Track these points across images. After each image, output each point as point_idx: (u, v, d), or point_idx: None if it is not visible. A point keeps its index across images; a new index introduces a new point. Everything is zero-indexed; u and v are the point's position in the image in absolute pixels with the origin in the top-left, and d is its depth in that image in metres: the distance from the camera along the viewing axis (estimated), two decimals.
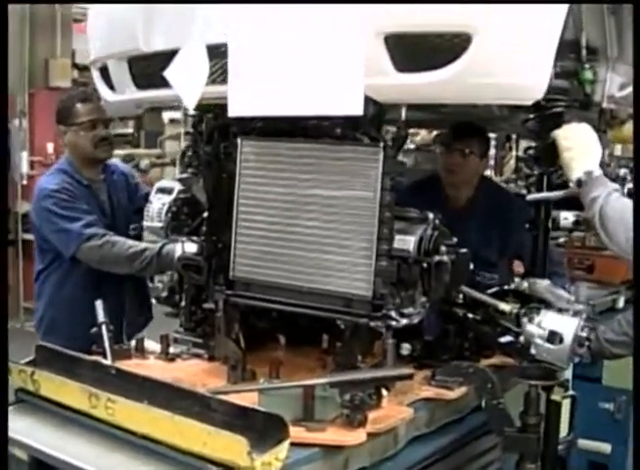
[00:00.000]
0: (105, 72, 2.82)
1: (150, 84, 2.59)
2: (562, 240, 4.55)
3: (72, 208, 3.06)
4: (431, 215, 2.30)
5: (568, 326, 2.25)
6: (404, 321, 2.24)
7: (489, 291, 2.58)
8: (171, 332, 2.73)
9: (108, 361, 2.36)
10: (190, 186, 2.73)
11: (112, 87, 2.81)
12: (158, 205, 2.75)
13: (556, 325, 2.26)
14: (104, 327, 2.50)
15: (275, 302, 2.41)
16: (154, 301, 3.01)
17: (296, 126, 2.35)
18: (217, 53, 2.28)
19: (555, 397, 2.51)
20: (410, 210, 2.34)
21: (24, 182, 8.68)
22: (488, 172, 5.92)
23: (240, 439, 1.72)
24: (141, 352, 2.64)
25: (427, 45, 2.07)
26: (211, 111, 2.54)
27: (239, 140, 2.44)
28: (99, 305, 2.57)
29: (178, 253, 2.71)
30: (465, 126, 3.20)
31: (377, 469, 2.14)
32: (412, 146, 9.54)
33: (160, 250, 2.91)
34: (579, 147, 2.23)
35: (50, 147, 9.05)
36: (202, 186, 2.67)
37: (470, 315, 2.57)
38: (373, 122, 2.27)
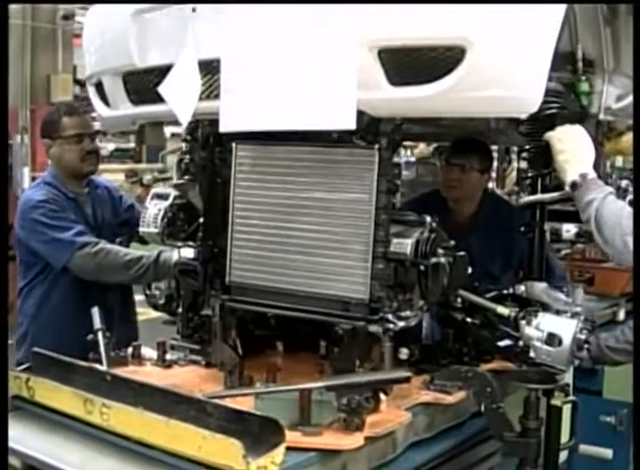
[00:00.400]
0: (100, 88, 2.82)
1: (144, 100, 2.59)
2: (564, 252, 4.53)
3: (61, 217, 3.02)
4: (428, 219, 2.29)
5: (566, 328, 2.24)
6: (401, 324, 2.22)
7: (488, 295, 2.56)
8: (168, 339, 2.72)
9: (103, 368, 2.34)
10: (186, 192, 2.72)
11: (107, 103, 2.81)
12: (154, 210, 2.73)
13: (554, 327, 2.24)
14: (100, 334, 2.48)
15: (271, 306, 2.40)
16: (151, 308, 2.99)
17: (291, 130, 2.35)
18: (211, 68, 2.28)
19: (555, 401, 2.49)
20: (407, 213, 2.33)
21: None
22: (491, 185, 5.90)
23: (235, 442, 1.71)
24: (138, 358, 2.63)
25: (420, 58, 2.06)
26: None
27: (234, 144, 2.44)
28: (95, 311, 2.56)
29: (175, 259, 2.70)
30: (465, 142, 3.20)
31: None
32: (412, 159, 9.57)
33: (157, 257, 2.89)
34: (573, 149, 2.22)
35: None
36: (198, 192, 2.66)
37: (468, 320, 2.55)
38: (369, 126, 2.27)
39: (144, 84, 2.57)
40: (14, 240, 3.15)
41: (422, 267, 2.23)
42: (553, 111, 2.21)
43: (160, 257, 2.88)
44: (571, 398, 2.56)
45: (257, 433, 1.82)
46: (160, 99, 2.36)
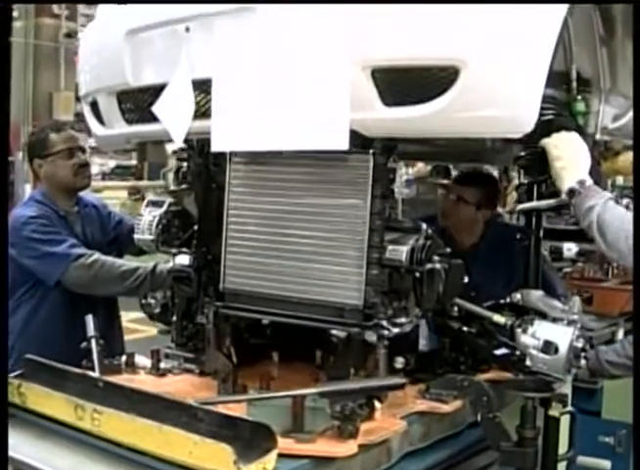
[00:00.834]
0: (95, 107, 2.82)
1: (139, 119, 2.60)
2: (566, 271, 4.53)
3: (54, 232, 3.01)
4: (424, 226, 2.28)
5: (562, 336, 2.22)
6: (396, 330, 2.21)
7: (485, 304, 2.54)
8: (163, 347, 2.70)
9: (96, 374, 2.33)
10: (181, 199, 2.72)
11: (102, 122, 2.81)
12: (148, 217, 2.72)
13: (550, 335, 2.22)
14: (93, 341, 2.47)
15: (265, 313, 2.39)
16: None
17: None
18: (205, 87, 2.27)
19: (553, 412, 2.48)
20: (403, 220, 2.32)
21: None
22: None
23: (226, 447, 1.70)
24: (131, 367, 2.61)
25: (414, 78, 2.05)
26: None
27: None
28: (89, 319, 2.55)
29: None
30: (468, 174, 3.21)
31: None
32: (411, 177, 9.56)
33: (153, 268, 2.88)
34: (570, 156, 2.21)
35: None
36: (193, 199, 2.66)
37: (465, 328, 2.53)
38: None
39: (138, 103, 2.58)
40: None
41: (417, 274, 2.22)
42: (549, 117, 2.21)
43: (157, 267, 2.87)
44: (570, 408, 2.54)
45: (249, 438, 1.81)
46: (154, 118, 2.37)
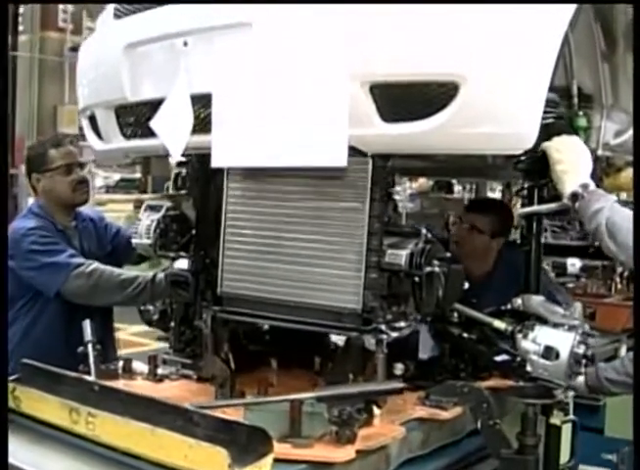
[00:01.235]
0: (93, 121, 2.81)
1: (136, 134, 2.58)
2: (569, 286, 4.51)
3: (53, 242, 2.99)
4: (423, 230, 2.26)
5: (563, 341, 2.19)
6: (395, 335, 2.19)
7: (485, 310, 2.52)
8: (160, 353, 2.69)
9: (92, 378, 2.31)
10: (179, 203, 2.71)
11: (100, 136, 2.80)
12: (146, 222, 2.71)
13: (551, 340, 2.20)
14: (90, 346, 2.45)
15: (263, 317, 2.37)
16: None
17: None
18: (205, 102, 2.26)
19: (554, 420, 2.44)
20: (403, 224, 2.31)
21: None
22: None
23: (221, 451, 1.68)
24: (129, 372, 2.59)
25: (413, 94, 2.03)
26: None
27: None
28: (87, 324, 2.53)
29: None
30: (481, 202, 3.17)
31: None
32: (414, 191, 9.58)
33: (153, 277, 2.86)
34: (572, 160, 2.19)
35: None
36: (191, 203, 2.65)
37: (465, 335, 2.51)
38: None
39: (136, 118, 2.56)
40: None
41: (416, 278, 2.20)
42: (550, 120, 2.19)
43: (157, 276, 2.85)
44: (571, 417, 2.51)
45: (245, 442, 1.78)
46: (152, 133, 2.35)
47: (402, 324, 2.22)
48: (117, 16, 2.62)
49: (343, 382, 2.25)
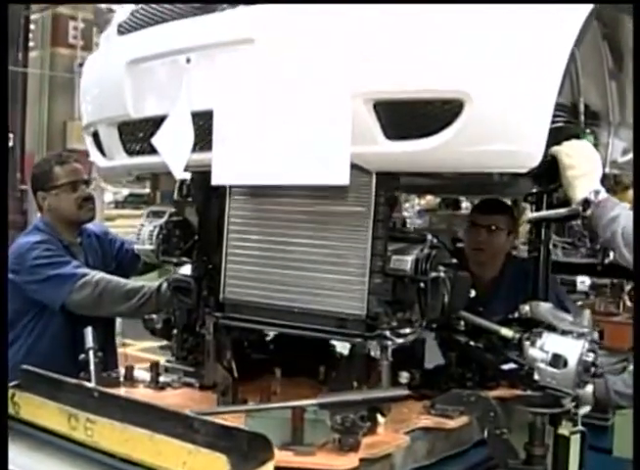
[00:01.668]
0: (96, 138, 2.79)
1: (139, 151, 2.56)
2: (579, 304, 4.48)
3: (58, 255, 2.99)
4: (429, 236, 2.23)
5: (572, 349, 2.15)
6: (400, 341, 2.15)
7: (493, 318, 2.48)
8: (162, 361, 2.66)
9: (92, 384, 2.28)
10: (182, 209, 2.69)
11: (103, 153, 2.78)
12: (149, 228, 2.70)
13: (559, 348, 2.16)
14: (91, 353, 2.42)
15: (266, 323, 2.34)
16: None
17: None
18: (207, 119, 2.23)
19: (563, 431, 2.40)
20: (408, 229, 2.28)
21: None
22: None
23: (220, 457, 1.65)
24: (130, 380, 2.56)
25: (417, 112, 1.99)
26: None
27: None
28: (88, 331, 2.51)
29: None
30: (490, 202, 3.18)
31: None
32: (422, 208, 9.56)
33: (158, 287, 2.84)
34: (583, 165, 2.15)
35: None
36: (194, 209, 2.63)
37: (472, 343, 2.47)
38: None
39: (139, 135, 2.54)
40: None
41: (421, 284, 2.16)
42: (559, 125, 2.16)
43: (162, 286, 2.83)
44: (580, 427, 2.46)
45: (245, 449, 1.75)
46: (154, 150, 2.34)
47: (407, 331, 2.18)
48: (121, 32, 2.61)
49: (347, 388, 2.22)
